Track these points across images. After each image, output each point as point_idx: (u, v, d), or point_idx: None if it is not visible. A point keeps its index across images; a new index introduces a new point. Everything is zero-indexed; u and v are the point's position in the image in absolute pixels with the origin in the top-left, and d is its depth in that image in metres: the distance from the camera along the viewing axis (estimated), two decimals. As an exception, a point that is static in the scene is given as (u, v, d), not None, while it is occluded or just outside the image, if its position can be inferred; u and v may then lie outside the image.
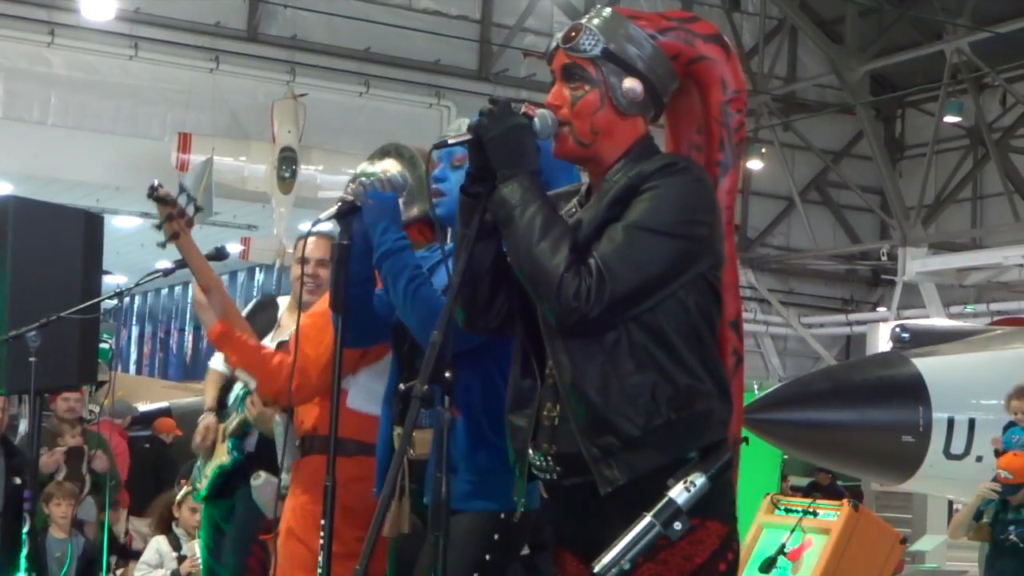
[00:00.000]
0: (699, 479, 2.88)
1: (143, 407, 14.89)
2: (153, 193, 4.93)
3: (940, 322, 15.95)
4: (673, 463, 2.93)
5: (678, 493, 2.87)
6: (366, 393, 4.58)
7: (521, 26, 20.97)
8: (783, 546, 8.14)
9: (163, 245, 5.01)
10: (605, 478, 2.94)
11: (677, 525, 2.85)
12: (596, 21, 3.11)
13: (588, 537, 3.03)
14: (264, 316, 5.91)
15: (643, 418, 2.92)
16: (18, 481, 8.13)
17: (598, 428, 2.94)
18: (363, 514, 4.16)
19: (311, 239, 5.68)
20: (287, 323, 5.72)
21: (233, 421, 5.67)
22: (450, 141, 3.17)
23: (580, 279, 2.88)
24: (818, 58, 22.48)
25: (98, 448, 9.73)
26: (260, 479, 5.10)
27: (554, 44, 3.14)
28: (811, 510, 8.43)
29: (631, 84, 3.08)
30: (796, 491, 16.21)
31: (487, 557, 3.63)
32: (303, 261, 5.17)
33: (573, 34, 3.10)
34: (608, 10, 3.16)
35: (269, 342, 5.71)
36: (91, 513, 9.49)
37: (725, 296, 3.12)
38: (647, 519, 2.85)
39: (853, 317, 23.13)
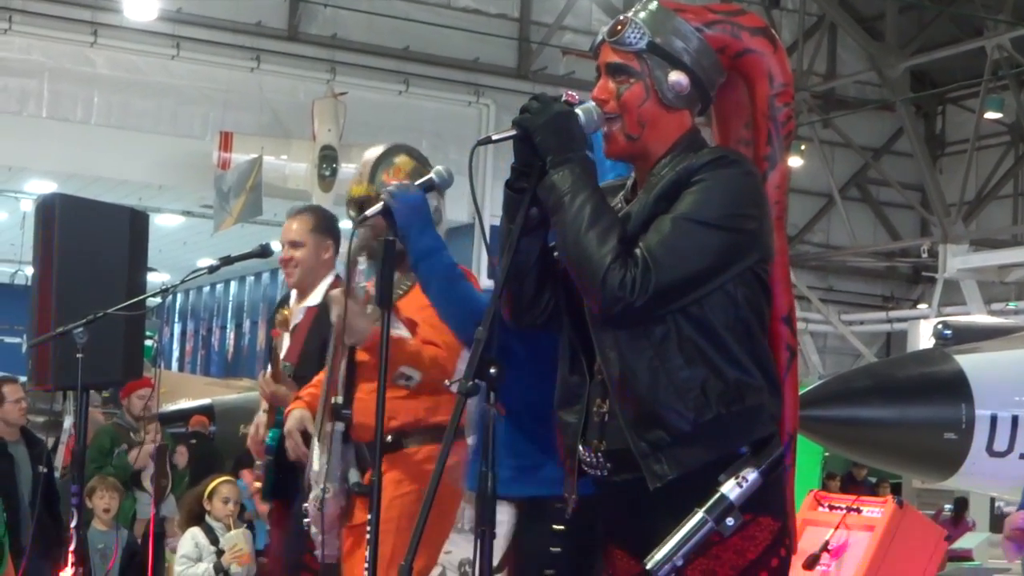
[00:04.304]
0: (751, 474, 2.88)
1: (185, 404, 14.99)
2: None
3: (982, 319, 15.85)
4: (723, 458, 2.93)
5: (730, 488, 2.87)
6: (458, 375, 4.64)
7: (560, 24, 20.96)
8: (827, 543, 8.10)
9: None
10: (654, 473, 2.94)
11: (730, 520, 2.85)
12: (642, 15, 3.10)
13: (638, 533, 3.03)
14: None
15: (693, 412, 2.92)
16: (44, 470, 8.17)
17: (647, 423, 2.95)
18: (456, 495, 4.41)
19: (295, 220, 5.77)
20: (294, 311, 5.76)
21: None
22: (494, 137, 3.14)
23: (626, 269, 2.88)
24: (858, 55, 22.38)
25: (174, 445, 9.87)
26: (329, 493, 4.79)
27: (600, 38, 3.14)
28: (854, 507, 8.39)
29: (677, 77, 3.07)
30: (832, 478, 16.21)
31: (553, 549, 3.65)
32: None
33: (619, 28, 3.10)
34: (655, 3, 3.14)
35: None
36: (172, 510, 9.52)
37: (776, 291, 3.10)
38: (699, 514, 2.86)
39: (893, 314, 23.02)
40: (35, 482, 8.17)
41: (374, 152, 4.88)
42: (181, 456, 9.82)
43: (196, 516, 8.20)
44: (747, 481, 2.87)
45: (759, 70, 3.18)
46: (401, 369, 4.47)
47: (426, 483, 4.43)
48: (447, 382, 4.52)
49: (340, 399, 4.73)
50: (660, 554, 2.84)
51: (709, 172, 2.98)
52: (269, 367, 5.71)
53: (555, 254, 3.14)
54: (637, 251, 2.91)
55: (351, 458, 4.74)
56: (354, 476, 4.75)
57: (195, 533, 8.03)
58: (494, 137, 3.15)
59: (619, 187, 3.25)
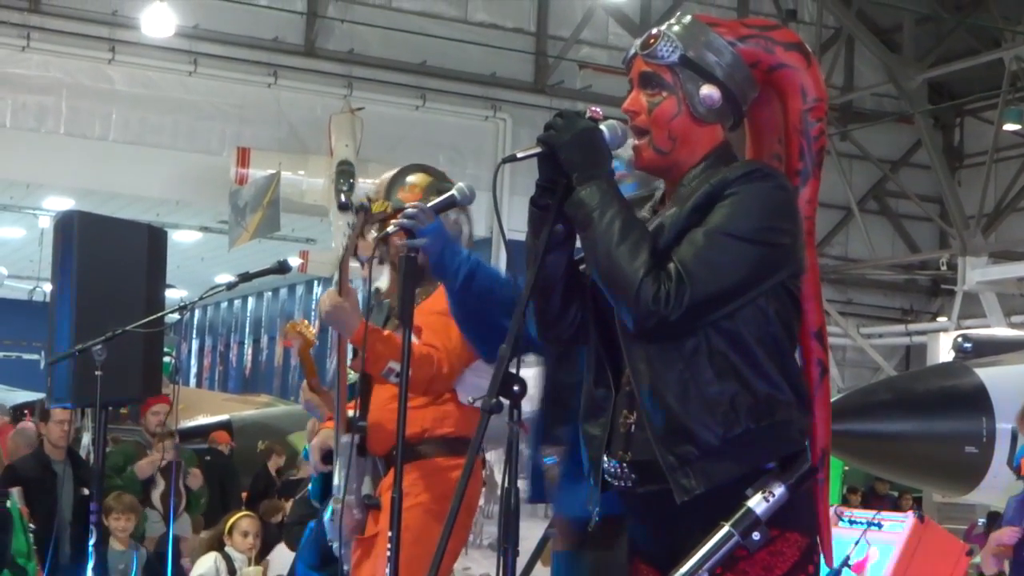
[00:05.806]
0: (778, 489, 2.87)
1: (203, 420, 15.00)
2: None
3: (1002, 332, 15.80)
4: (752, 473, 2.92)
5: (757, 503, 2.86)
6: (473, 389, 4.63)
7: (576, 38, 20.93)
8: (847, 558, 8.07)
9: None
10: (682, 487, 2.92)
11: (756, 535, 2.84)
12: (675, 28, 3.10)
13: (663, 546, 3.02)
14: None
15: (722, 427, 2.91)
16: (86, 492, 8.21)
17: (676, 436, 2.93)
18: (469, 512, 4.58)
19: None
20: None
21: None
22: (519, 155, 3.13)
23: (659, 283, 2.87)
24: (875, 67, 22.32)
25: (192, 465, 9.80)
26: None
27: (632, 51, 3.13)
28: (876, 521, 8.37)
29: (709, 91, 3.07)
30: (854, 492, 16.13)
31: None
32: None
33: (651, 41, 3.09)
34: (688, 17, 3.14)
35: None
36: (187, 529, 9.48)
37: (808, 306, 3.09)
38: (725, 529, 2.85)
39: (913, 327, 22.91)
40: (76, 504, 8.21)
41: (391, 172, 4.91)
42: (195, 478, 9.65)
43: (218, 547, 8.25)
44: (774, 496, 2.86)
45: (792, 85, 3.17)
46: (390, 364, 4.47)
47: (431, 495, 4.45)
48: (471, 399, 4.51)
49: (356, 412, 4.72)
50: (685, 568, 2.84)
51: (743, 185, 2.97)
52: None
53: (582, 268, 3.13)
54: (671, 264, 2.90)
55: (366, 470, 4.74)
56: (367, 488, 4.74)
57: (216, 557, 8.07)
58: (519, 155, 3.13)
59: (645, 199, 3.24)
